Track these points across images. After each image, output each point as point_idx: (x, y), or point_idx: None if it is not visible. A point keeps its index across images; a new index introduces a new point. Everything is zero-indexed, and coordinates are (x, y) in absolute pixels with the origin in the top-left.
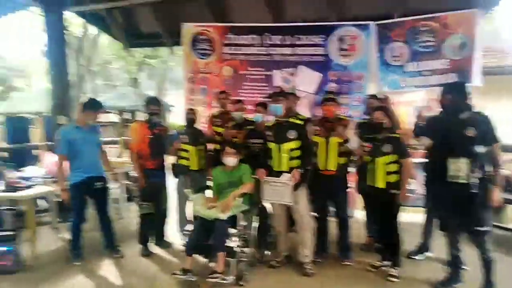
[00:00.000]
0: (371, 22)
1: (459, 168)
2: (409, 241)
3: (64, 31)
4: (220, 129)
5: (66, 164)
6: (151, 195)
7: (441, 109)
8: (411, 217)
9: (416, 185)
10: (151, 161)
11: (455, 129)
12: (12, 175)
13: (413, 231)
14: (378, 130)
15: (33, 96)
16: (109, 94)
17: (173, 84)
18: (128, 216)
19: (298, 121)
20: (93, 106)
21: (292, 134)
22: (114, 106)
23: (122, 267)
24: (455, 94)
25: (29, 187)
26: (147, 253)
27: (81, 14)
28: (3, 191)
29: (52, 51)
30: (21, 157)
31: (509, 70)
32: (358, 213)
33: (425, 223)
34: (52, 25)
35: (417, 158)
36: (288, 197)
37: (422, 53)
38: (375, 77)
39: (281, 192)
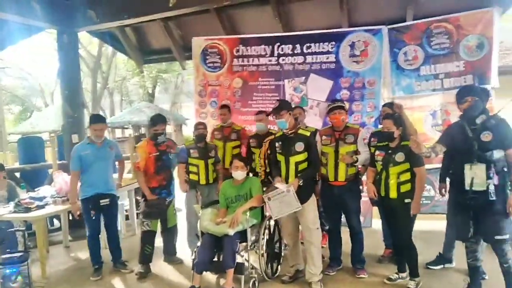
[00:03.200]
0: (382, 26)
1: (475, 175)
2: (428, 250)
3: (79, 51)
4: (219, 143)
5: (78, 180)
6: (154, 213)
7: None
8: (430, 225)
9: (432, 191)
10: (155, 179)
11: (470, 134)
12: (24, 195)
13: (432, 239)
14: (390, 138)
15: (51, 115)
16: (125, 109)
17: (188, 96)
18: (140, 232)
19: (306, 133)
20: (92, 120)
21: (299, 146)
22: (130, 121)
23: (131, 285)
24: (471, 97)
25: (41, 207)
26: (144, 273)
27: (95, 34)
28: (15, 212)
29: (65, 70)
30: (35, 177)
31: None
32: (377, 223)
33: (447, 233)
34: (65, 45)
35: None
36: (296, 203)
37: (436, 56)
38: (389, 82)
39: (286, 200)
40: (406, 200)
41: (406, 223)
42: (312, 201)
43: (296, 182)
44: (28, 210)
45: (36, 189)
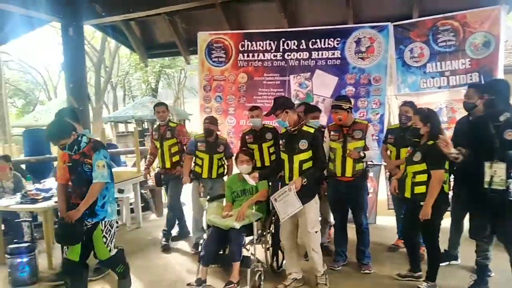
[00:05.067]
0: (388, 23)
1: (495, 173)
2: None
3: (84, 44)
4: (157, 143)
5: None
6: (59, 236)
7: (466, 111)
8: None
9: None
10: (71, 194)
11: (493, 131)
12: (30, 186)
13: None
14: (415, 135)
15: (54, 109)
16: (128, 104)
17: (191, 92)
18: (145, 225)
19: (310, 130)
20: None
21: (303, 144)
22: (134, 116)
23: (139, 276)
24: (493, 94)
25: (47, 198)
26: None
27: (99, 27)
28: (21, 203)
29: (70, 64)
30: (40, 169)
31: None
32: (381, 220)
33: (452, 230)
34: (69, 39)
35: None
36: (297, 202)
37: (443, 53)
38: (395, 79)
39: (289, 200)
40: (422, 203)
41: (425, 226)
42: (314, 203)
43: (299, 181)
44: (35, 201)
45: (41, 181)
